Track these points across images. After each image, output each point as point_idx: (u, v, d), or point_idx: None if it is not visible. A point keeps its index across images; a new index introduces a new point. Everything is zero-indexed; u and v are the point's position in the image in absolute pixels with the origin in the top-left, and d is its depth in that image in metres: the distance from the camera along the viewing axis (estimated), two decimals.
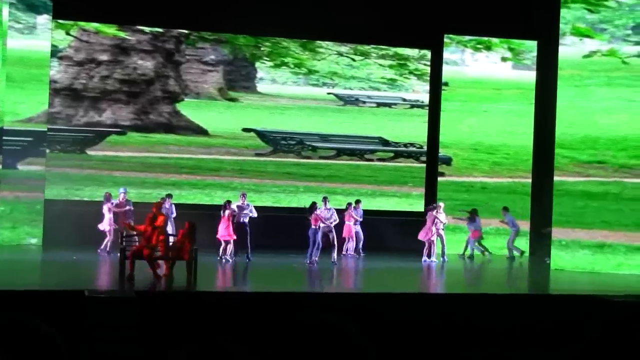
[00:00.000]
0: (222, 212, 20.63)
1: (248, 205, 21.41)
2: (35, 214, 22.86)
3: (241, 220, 21.05)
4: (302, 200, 23.57)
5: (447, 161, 26.18)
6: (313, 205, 20.79)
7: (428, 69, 26.55)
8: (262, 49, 25.92)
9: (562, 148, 22.72)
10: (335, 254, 20.95)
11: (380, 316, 14.30)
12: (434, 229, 22.45)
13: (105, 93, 24.40)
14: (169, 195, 22.11)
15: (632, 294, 16.75)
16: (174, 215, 21.56)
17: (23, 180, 23.10)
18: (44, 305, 13.35)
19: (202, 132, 25.16)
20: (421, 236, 22.55)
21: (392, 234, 24.19)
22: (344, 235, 22.97)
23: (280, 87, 26.15)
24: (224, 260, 20.33)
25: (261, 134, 25.63)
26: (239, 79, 26.13)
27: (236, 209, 20.95)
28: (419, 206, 26.00)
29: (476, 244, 24.17)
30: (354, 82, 26.65)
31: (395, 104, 26.84)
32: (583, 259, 21.91)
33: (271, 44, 25.92)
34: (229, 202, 21.05)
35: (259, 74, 26.18)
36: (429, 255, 22.43)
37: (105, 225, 21.05)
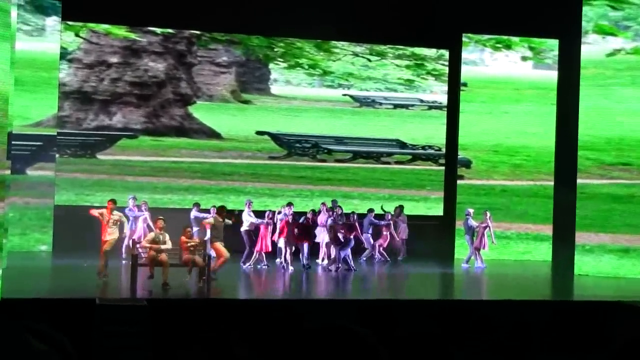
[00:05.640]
0: (266, 221, 20.72)
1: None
2: (45, 220, 22.92)
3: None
4: (316, 205, 23.43)
5: (467, 164, 26.04)
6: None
7: (446, 69, 26.45)
8: (275, 49, 25.88)
9: (585, 150, 22.54)
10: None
11: (400, 324, 14.23)
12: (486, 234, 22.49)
13: (115, 96, 24.42)
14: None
15: None
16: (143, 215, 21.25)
17: (32, 185, 23.12)
18: (55, 313, 13.34)
19: (215, 135, 25.15)
20: (476, 244, 22.48)
21: (410, 238, 24.04)
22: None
23: (294, 89, 26.10)
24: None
25: (275, 137, 25.58)
26: (252, 81, 26.09)
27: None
28: (437, 210, 25.92)
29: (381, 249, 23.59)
30: (370, 83, 26.57)
31: (412, 106, 26.73)
32: (608, 264, 21.73)
33: (285, 44, 25.88)
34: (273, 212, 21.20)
35: (273, 76, 26.12)
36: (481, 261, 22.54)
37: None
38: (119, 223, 18.22)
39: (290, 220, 20.45)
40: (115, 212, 17.94)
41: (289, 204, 21.19)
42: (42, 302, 14.22)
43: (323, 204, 21.89)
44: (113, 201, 18.39)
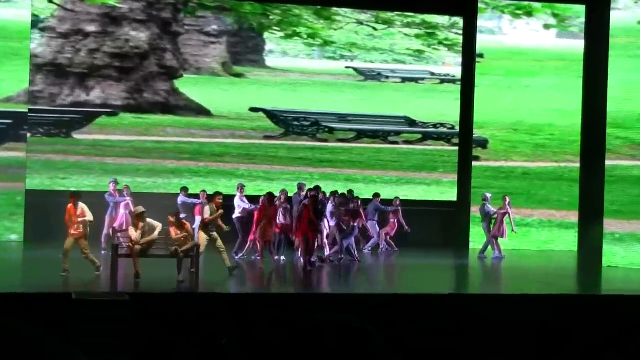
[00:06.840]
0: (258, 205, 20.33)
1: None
2: (16, 206, 22.83)
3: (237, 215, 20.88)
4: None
5: (483, 143, 26.02)
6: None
7: (460, 39, 26.37)
8: (270, 17, 25.79)
9: (614, 128, 22.60)
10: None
11: (408, 320, 14.14)
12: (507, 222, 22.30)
13: (93, 69, 24.30)
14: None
15: None
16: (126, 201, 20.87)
17: (1, 168, 23.06)
18: (27, 309, 13.24)
19: (203, 112, 25.08)
20: (494, 232, 22.35)
21: (421, 226, 23.99)
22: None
23: (292, 61, 26.05)
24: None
25: (271, 114, 25.52)
26: (245, 52, 26.07)
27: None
28: (451, 195, 25.86)
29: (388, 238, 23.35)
30: (375, 54, 26.53)
31: (422, 79, 26.70)
32: (639, 255, 21.74)
33: (281, 11, 25.79)
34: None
35: (268, 46, 26.10)
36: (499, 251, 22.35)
37: None
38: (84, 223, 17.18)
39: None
40: (80, 206, 17.11)
41: (317, 188, 20.85)
42: (12, 297, 14.14)
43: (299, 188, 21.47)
44: (74, 195, 17.42)
